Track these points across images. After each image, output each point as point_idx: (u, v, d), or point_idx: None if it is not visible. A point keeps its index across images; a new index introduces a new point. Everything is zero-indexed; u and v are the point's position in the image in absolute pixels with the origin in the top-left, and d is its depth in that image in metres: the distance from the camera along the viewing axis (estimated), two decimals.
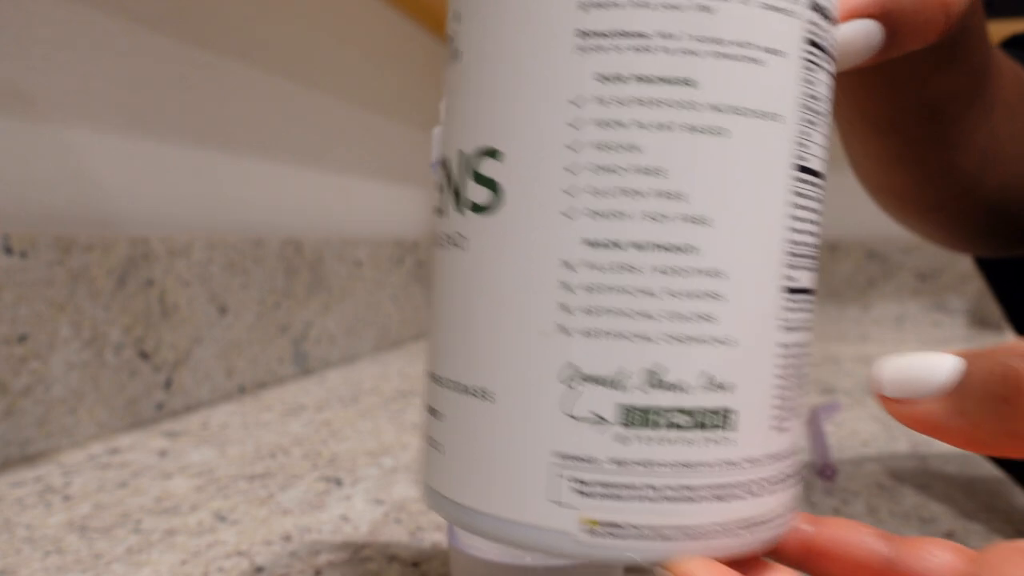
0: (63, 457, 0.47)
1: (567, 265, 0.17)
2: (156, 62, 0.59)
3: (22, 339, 0.46)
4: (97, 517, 0.37)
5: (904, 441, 0.52)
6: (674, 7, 0.16)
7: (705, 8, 0.16)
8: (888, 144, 0.34)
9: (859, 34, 0.21)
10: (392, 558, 0.33)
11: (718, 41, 0.16)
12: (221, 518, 0.37)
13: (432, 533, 0.35)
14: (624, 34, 0.16)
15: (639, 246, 0.16)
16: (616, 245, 0.16)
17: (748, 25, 0.17)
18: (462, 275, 0.19)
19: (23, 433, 0.46)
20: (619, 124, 0.16)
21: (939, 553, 0.19)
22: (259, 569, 0.31)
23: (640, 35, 0.16)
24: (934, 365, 0.18)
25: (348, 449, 0.50)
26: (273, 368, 0.71)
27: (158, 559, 0.32)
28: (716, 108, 0.16)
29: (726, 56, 0.16)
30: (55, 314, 0.48)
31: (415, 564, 0.32)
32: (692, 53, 0.16)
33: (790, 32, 0.17)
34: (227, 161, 0.68)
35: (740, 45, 0.17)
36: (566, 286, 0.17)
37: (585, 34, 0.17)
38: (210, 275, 0.62)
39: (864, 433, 0.54)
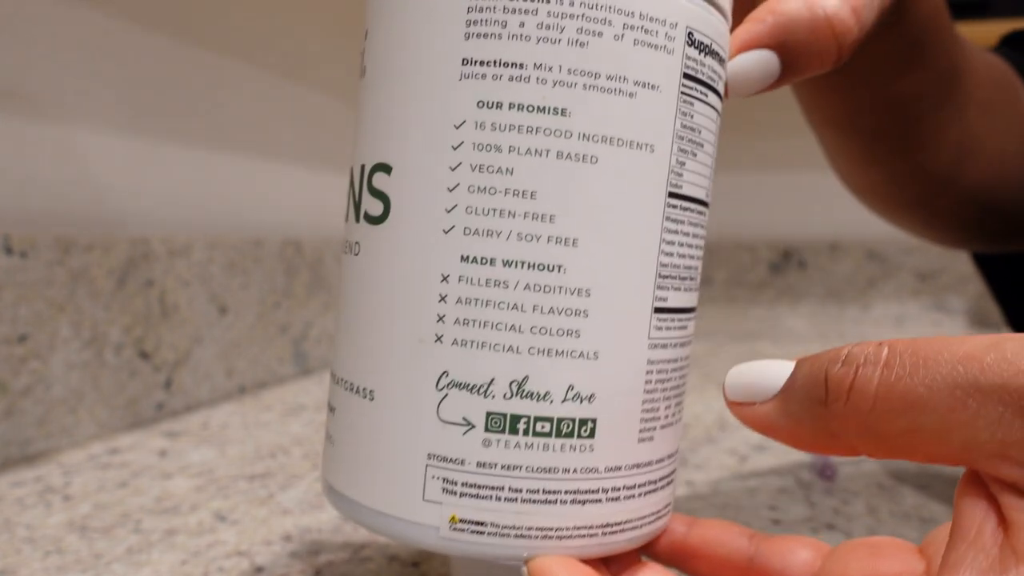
0: (63, 457, 0.47)
1: (444, 278, 0.18)
2: (156, 62, 0.59)
3: (22, 339, 0.46)
4: (97, 517, 0.37)
5: None
6: (551, 40, 0.17)
7: (580, 43, 0.17)
8: (853, 144, 0.34)
9: (756, 64, 0.22)
10: (392, 558, 0.33)
11: (592, 74, 0.17)
12: (221, 518, 0.37)
13: None
14: (503, 64, 0.17)
15: (510, 263, 0.17)
16: (489, 262, 0.17)
17: (621, 60, 0.18)
18: (355, 280, 0.20)
19: (23, 433, 0.46)
20: (495, 148, 0.17)
21: (798, 550, 0.21)
22: (259, 569, 0.32)
23: (518, 65, 0.17)
24: (770, 370, 0.19)
25: None
26: (273, 368, 0.71)
27: (158, 559, 0.32)
28: (587, 137, 0.17)
29: (599, 88, 0.18)
30: (55, 314, 0.48)
31: (415, 564, 0.32)
32: (566, 84, 0.17)
33: (664, 67, 0.18)
34: (227, 161, 0.68)
35: (612, 78, 0.18)
36: (443, 298, 0.18)
37: (468, 62, 0.17)
38: (210, 275, 0.62)
39: None
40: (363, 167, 0.19)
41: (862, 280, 1.36)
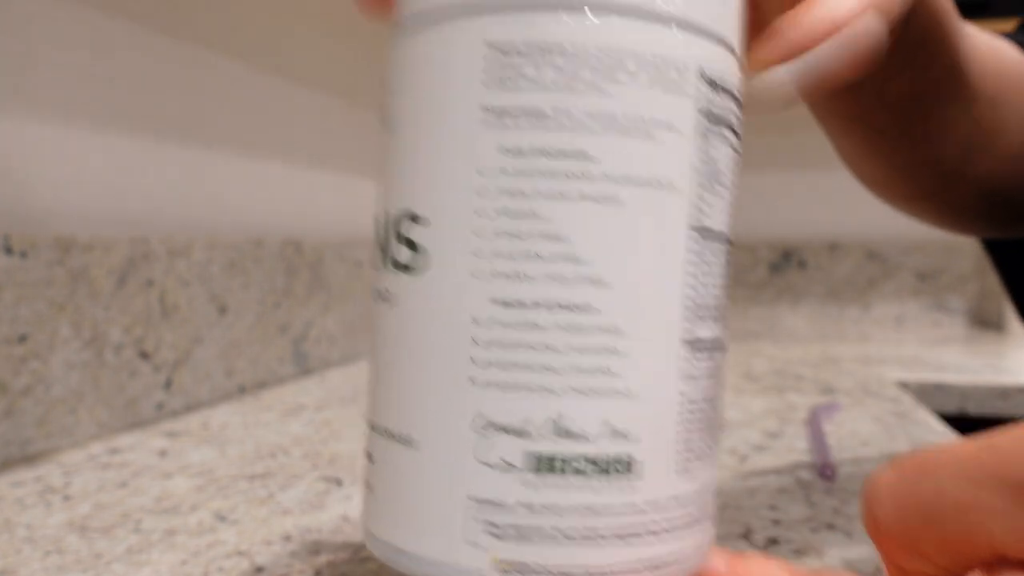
0: (63, 457, 0.47)
1: (477, 322, 0.18)
2: (156, 62, 0.59)
3: (22, 339, 0.46)
4: (97, 517, 0.37)
5: (904, 441, 0.52)
6: (567, 86, 0.18)
7: (596, 87, 0.18)
8: (859, 139, 0.34)
9: (780, 80, 0.22)
10: None
11: (609, 117, 0.18)
12: (221, 518, 0.37)
13: None
14: (523, 110, 0.18)
15: (542, 305, 0.18)
16: (521, 304, 0.18)
17: (637, 102, 0.18)
18: (388, 328, 0.20)
19: (23, 433, 0.46)
20: (521, 193, 0.18)
21: None
22: (259, 569, 0.31)
23: (537, 111, 0.18)
24: None
25: (348, 449, 0.50)
26: (273, 368, 0.71)
27: (158, 559, 0.32)
28: (611, 179, 0.18)
29: (617, 130, 0.18)
30: (55, 314, 0.48)
31: None
32: (587, 129, 0.18)
33: (680, 107, 0.19)
34: (227, 161, 0.68)
35: (630, 120, 0.18)
36: (476, 341, 0.18)
37: (489, 110, 0.18)
38: (210, 275, 0.62)
39: (864, 433, 0.54)
40: (390, 214, 0.20)
41: (862, 280, 1.36)
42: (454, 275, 0.18)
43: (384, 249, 0.20)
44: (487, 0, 0.18)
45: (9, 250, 0.45)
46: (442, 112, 0.19)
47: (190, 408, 0.60)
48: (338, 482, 0.43)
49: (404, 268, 0.19)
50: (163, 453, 0.48)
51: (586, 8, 0.18)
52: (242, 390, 0.66)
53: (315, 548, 0.34)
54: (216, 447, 0.50)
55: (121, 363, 0.53)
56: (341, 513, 0.38)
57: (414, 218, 0.19)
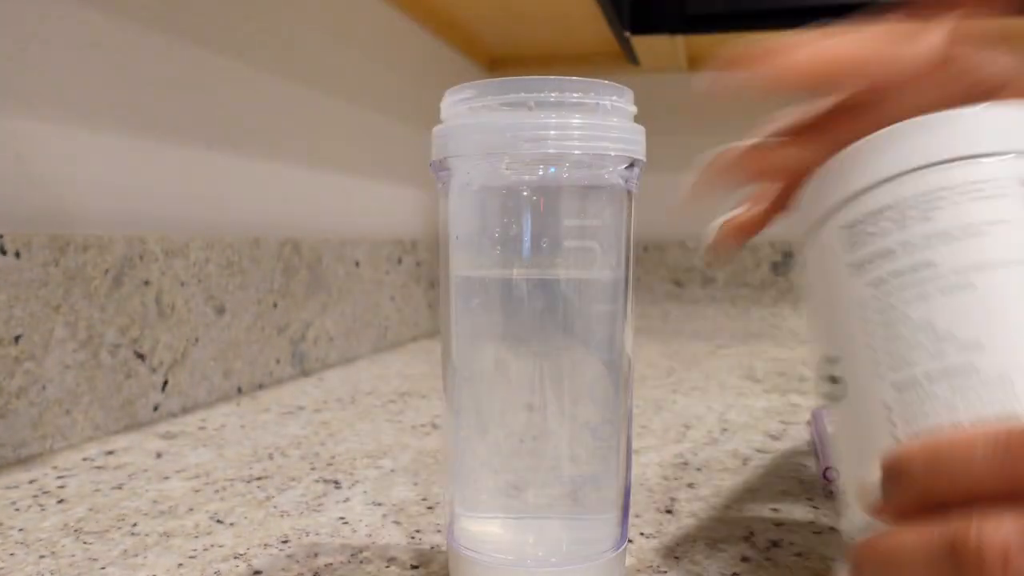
0: (58, 459, 0.46)
1: (887, 407, 0.23)
2: (154, 61, 0.59)
3: (17, 339, 0.45)
4: (92, 520, 0.37)
5: None
6: (903, 226, 0.23)
7: (926, 218, 0.23)
8: None
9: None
10: (391, 560, 0.32)
11: (944, 235, 0.23)
12: (218, 520, 0.37)
13: (431, 535, 0.35)
14: (876, 255, 0.24)
15: (930, 379, 0.22)
16: (917, 384, 0.22)
17: (965, 215, 0.22)
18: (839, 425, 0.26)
19: (17, 435, 0.45)
20: (892, 307, 0.23)
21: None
22: (257, 572, 0.31)
23: (887, 251, 0.23)
24: None
25: (347, 450, 0.49)
26: (271, 369, 0.70)
27: (154, 562, 0.32)
28: (957, 271, 0.22)
29: (952, 238, 0.22)
30: (50, 314, 0.47)
31: (414, 567, 0.32)
32: (927, 246, 0.23)
33: (1008, 205, 0.22)
34: (225, 160, 0.67)
35: (962, 229, 0.22)
36: (891, 421, 0.22)
37: (851, 265, 0.24)
38: (207, 275, 0.61)
39: None
40: (816, 361, 0.26)
41: None
42: (865, 384, 0.23)
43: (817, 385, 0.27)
44: (834, 204, 0.25)
45: (3, 250, 0.44)
46: (826, 280, 0.25)
47: (187, 409, 0.59)
48: (336, 484, 0.42)
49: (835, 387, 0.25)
50: (159, 455, 0.48)
51: (898, 176, 0.24)
52: (240, 391, 0.66)
53: (313, 551, 0.33)
54: (213, 449, 0.49)
55: (117, 364, 0.52)
56: (339, 515, 0.38)
57: (832, 360, 0.25)
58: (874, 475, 0.22)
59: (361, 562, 0.32)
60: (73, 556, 0.32)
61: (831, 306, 0.25)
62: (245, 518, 0.37)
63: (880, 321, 0.23)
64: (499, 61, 1.32)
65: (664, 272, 1.35)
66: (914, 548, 0.19)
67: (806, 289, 0.28)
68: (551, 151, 0.26)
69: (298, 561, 0.32)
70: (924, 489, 0.20)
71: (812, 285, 0.27)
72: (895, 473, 0.21)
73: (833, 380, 0.25)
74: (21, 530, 0.35)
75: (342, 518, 0.37)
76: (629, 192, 0.29)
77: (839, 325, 0.25)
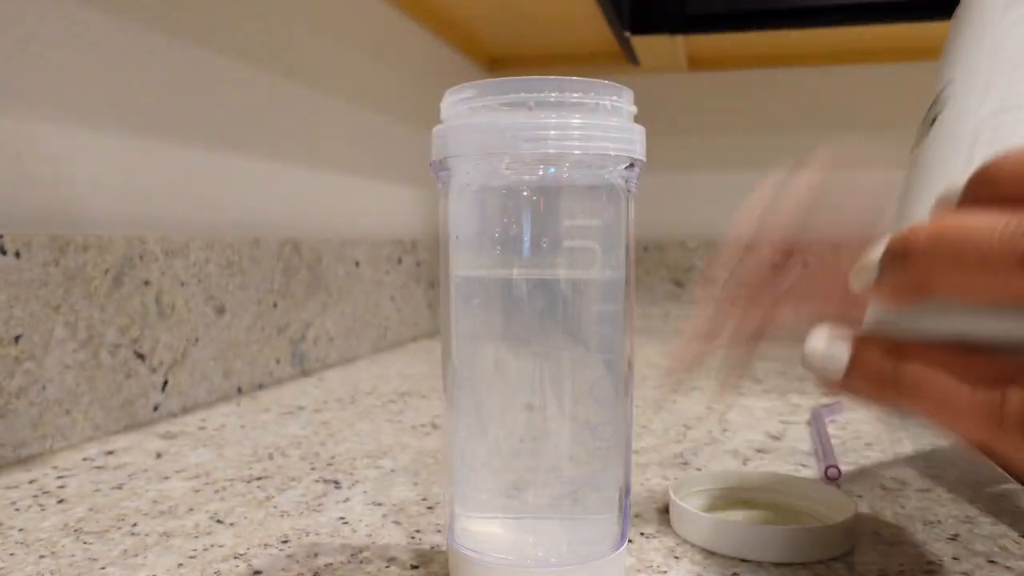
0: (58, 459, 0.46)
1: (974, 133, 0.23)
2: (153, 61, 0.59)
3: (17, 339, 0.45)
4: (92, 520, 0.37)
5: (908, 443, 0.52)
6: None
7: None
8: None
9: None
10: (391, 560, 0.32)
11: None
12: (218, 520, 0.37)
13: (431, 535, 0.35)
14: None
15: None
16: (1019, 108, 0.23)
17: None
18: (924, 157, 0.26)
19: (17, 435, 0.45)
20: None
21: None
22: (257, 572, 0.31)
23: None
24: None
25: (347, 450, 0.49)
26: (271, 369, 0.70)
27: (154, 562, 0.32)
28: None
29: None
30: (50, 314, 0.47)
31: (414, 567, 0.32)
32: None
33: None
34: (225, 160, 0.67)
35: None
36: (972, 146, 0.23)
37: (1006, 4, 0.25)
38: (207, 275, 0.61)
39: (868, 434, 0.54)
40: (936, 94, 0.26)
41: None
42: (968, 103, 0.24)
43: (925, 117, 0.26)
44: None
45: (3, 250, 0.44)
46: (980, 8, 0.26)
47: (187, 409, 0.59)
48: (336, 484, 0.42)
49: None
50: (159, 455, 0.48)
51: None
52: (240, 391, 0.66)
53: (313, 551, 0.33)
54: (213, 449, 0.49)
55: (117, 364, 0.52)
56: (339, 515, 0.38)
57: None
58: (875, 254, 0.22)
59: (361, 562, 0.32)
60: (73, 556, 0.32)
61: (969, 37, 0.26)
62: (245, 518, 0.37)
63: (1009, 57, 0.24)
64: (499, 61, 1.32)
65: (664, 272, 1.35)
66: (990, 231, 0.19)
67: (953, 21, 0.28)
68: (551, 151, 0.26)
69: (298, 561, 0.32)
70: (929, 265, 0.20)
71: (960, 17, 0.27)
72: (900, 250, 0.21)
73: (936, 102, 0.25)
74: (21, 530, 0.35)
75: (342, 518, 0.37)
76: (629, 192, 0.29)
77: (968, 53, 0.25)
